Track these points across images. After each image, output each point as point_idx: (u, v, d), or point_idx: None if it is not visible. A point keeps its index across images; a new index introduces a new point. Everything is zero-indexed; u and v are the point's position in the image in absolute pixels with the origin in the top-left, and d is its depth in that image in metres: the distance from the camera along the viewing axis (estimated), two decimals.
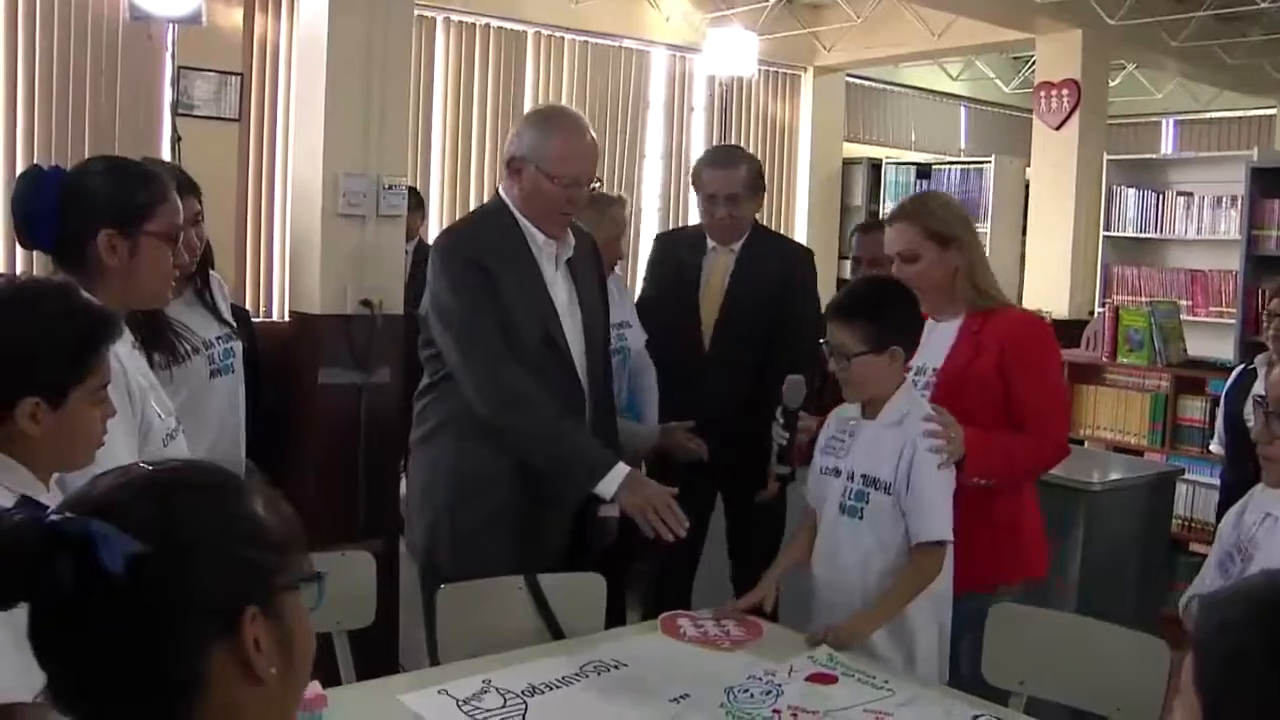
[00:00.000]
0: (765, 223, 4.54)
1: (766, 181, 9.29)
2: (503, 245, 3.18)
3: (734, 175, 4.11)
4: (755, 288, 4.10)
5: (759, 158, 9.34)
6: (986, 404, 3.06)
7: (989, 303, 3.20)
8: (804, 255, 4.45)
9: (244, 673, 1.17)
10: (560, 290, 3.26)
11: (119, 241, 2.34)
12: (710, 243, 4.19)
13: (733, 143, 9.21)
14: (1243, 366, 4.83)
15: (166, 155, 6.13)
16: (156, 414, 2.37)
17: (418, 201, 6.83)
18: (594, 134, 3.30)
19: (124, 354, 2.30)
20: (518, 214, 3.21)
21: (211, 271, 3.58)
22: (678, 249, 4.33)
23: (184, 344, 3.29)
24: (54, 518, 1.11)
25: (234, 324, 3.54)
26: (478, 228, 3.33)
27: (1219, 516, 2.69)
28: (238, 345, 3.50)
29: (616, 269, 4.01)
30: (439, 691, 2.44)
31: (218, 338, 3.44)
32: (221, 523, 1.19)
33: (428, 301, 3.23)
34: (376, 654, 3.64)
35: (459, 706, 2.38)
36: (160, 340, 3.20)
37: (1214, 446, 5.05)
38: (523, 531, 3.18)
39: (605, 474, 2.99)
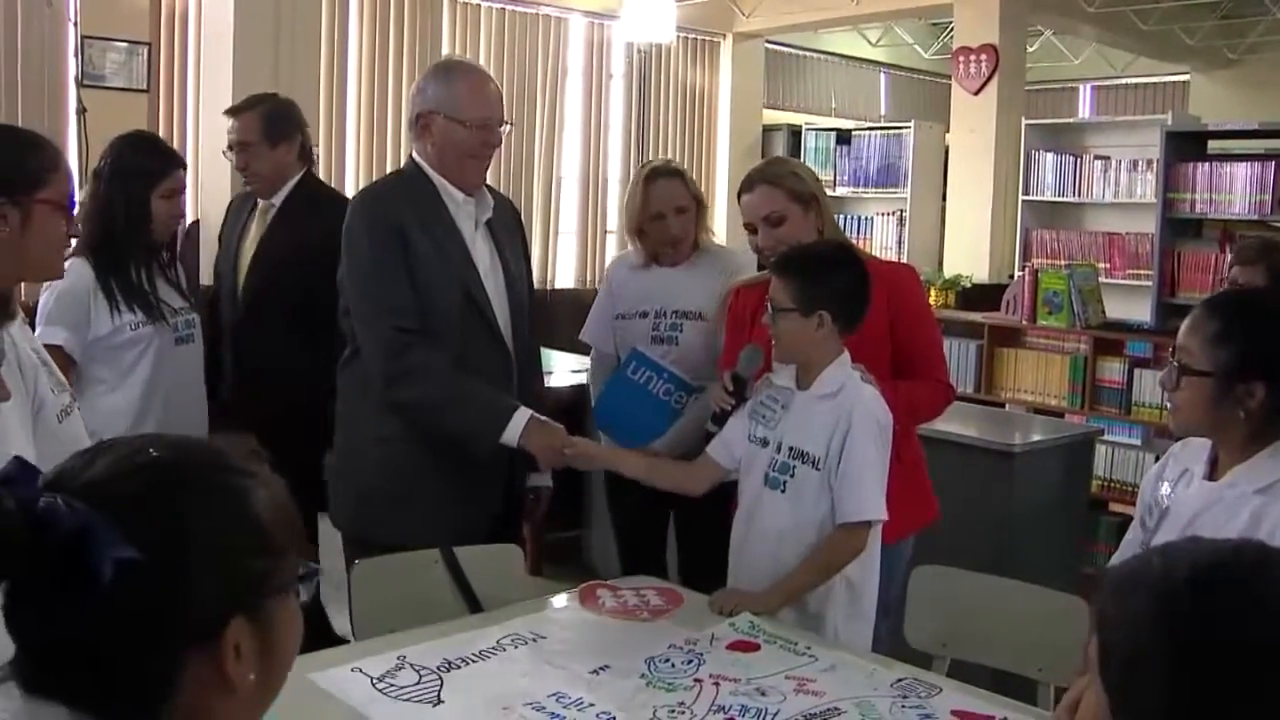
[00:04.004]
0: None
1: (686, 149, 9.40)
2: (419, 205, 3.11)
3: (244, 119, 3.96)
4: (288, 250, 3.88)
5: (678, 125, 9.41)
6: (877, 354, 3.02)
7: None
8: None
9: (219, 680, 1.13)
10: (481, 251, 3.19)
11: (9, 210, 2.24)
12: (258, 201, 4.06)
13: (652, 112, 9.19)
14: None
15: (72, 127, 5.99)
16: (49, 390, 2.29)
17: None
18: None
19: (14, 328, 2.21)
20: (433, 174, 3.14)
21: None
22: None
23: (158, 307, 3.49)
24: (46, 502, 1.05)
25: (191, 302, 3.67)
26: (393, 188, 3.26)
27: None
28: (197, 318, 3.64)
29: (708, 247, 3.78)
30: (352, 669, 2.38)
31: (180, 308, 3.57)
32: (224, 530, 1.13)
33: (342, 264, 3.17)
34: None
35: (373, 684, 2.32)
36: (138, 295, 3.44)
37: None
38: (454, 499, 3.11)
39: (508, 422, 2.97)
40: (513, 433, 2.97)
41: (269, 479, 1.21)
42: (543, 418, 3.04)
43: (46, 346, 3.23)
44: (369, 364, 3.07)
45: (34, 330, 3.25)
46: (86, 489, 1.09)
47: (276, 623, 1.18)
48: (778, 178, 3.21)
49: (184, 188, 3.57)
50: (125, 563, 1.04)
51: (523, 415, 2.98)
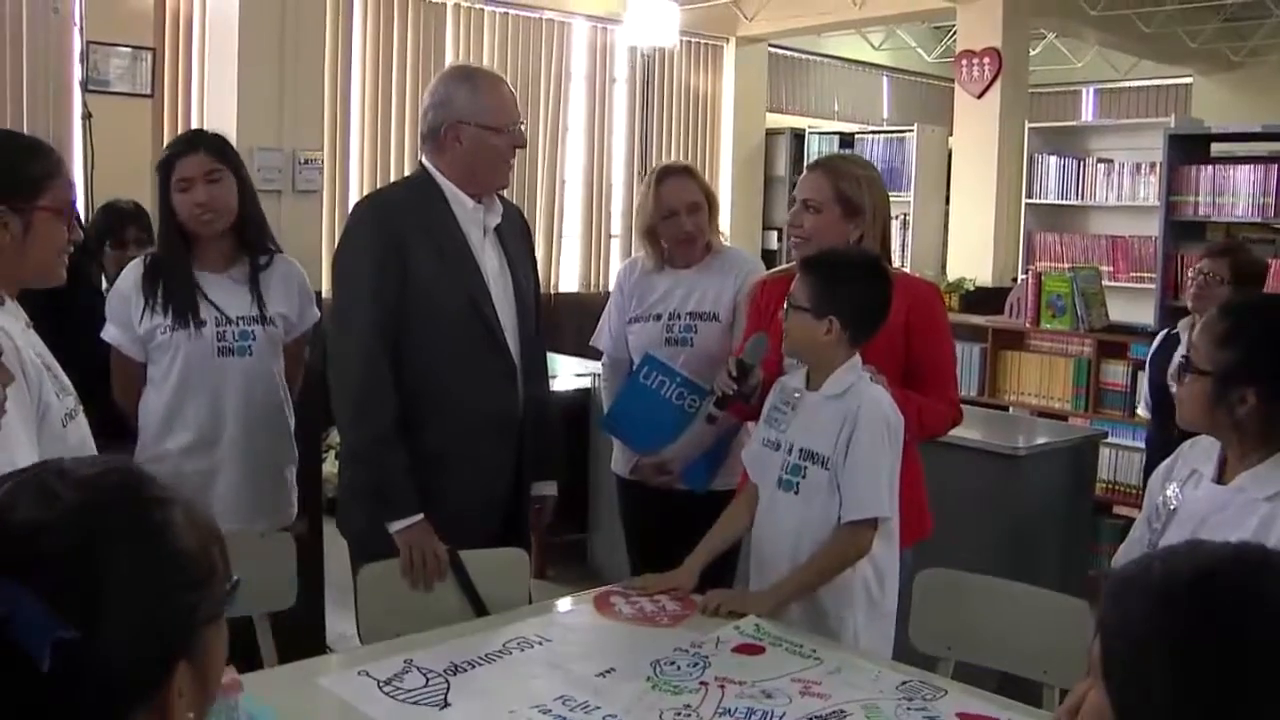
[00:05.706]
0: None
1: (689, 153, 9.42)
2: (426, 213, 3.09)
3: None
4: None
5: (681, 129, 9.43)
6: (890, 366, 2.98)
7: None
8: None
9: None
10: (490, 257, 3.17)
11: (10, 218, 2.24)
12: None
13: (655, 116, 9.21)
14: (1166, 331, 4.88)
15: (77, 133, 6.00)
16: (54, 394, 2.29)
17: None
18: None
19: (16, 333, 2.22)
20: (443, 182, 3.12)
21: (285, 257, 3.50)
22: None
23: (196, 314, 3.28)
24: None
25: (265, 314, 3.37)
26: (399, 196, 3.26)
27: (1145, 478, 2.71)
28: (261, 331, 3.36)
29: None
30: (359, 673, 2.38)
31: (240, 317, 3.34)
32: (151, 577, 1.08)
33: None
34: (302, 637, 3.58)
35: (379, 687, 2.33)
36: (177, 300, 3.26)
37: (1140, 409, 5.14)
38: (457, 509, 3.08)
39: (400, 517, 2.96)
40: (396, 525, 2.96)
41: (184, 500, 1.15)
42: (429, 531, 2.99)
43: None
44: (336, 365, 3.07)
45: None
46: (6, 550, 1.04)
47: (210, 650, 1.14)
48: (838, 173, 3.16)
49: (207, 176, 3.25)
50: (60, 643, 0.99)
51: (414, 519, 2.96)
